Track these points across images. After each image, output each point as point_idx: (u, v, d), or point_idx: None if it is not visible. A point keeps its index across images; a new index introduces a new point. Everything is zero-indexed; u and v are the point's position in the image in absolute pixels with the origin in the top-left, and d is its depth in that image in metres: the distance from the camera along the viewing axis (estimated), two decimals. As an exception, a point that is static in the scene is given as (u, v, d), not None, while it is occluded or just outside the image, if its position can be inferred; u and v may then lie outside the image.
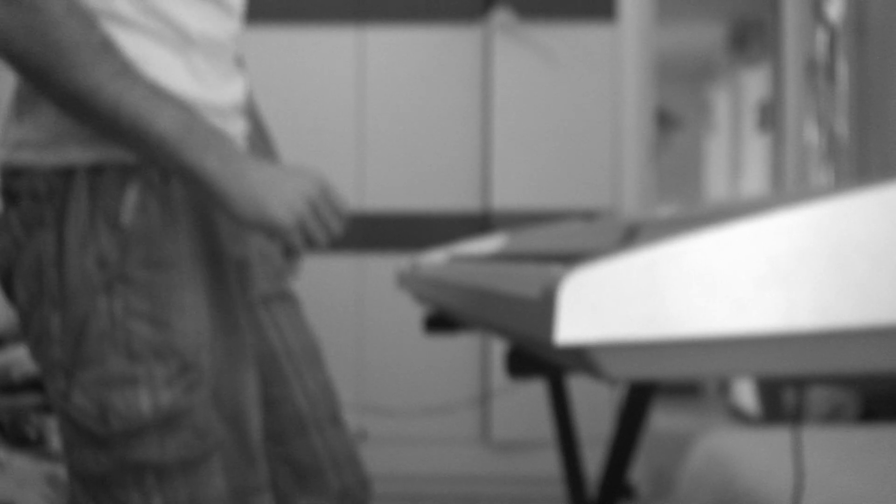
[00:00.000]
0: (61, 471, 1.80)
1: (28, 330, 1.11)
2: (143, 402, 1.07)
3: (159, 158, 1.04)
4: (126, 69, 1.02)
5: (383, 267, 3.83)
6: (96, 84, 1.00)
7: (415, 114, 3.86)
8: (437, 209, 3.83)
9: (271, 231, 1.08)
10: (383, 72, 3.87)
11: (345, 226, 1.14)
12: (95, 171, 1.07)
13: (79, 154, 1.07)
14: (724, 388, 6.89)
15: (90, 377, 1.06)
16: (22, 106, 1.11)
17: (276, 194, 1.07)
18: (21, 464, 1.76)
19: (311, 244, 1.11)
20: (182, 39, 1.12)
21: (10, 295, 1.14)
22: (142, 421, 1.07)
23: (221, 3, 1.17)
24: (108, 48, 1.02)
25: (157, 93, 1.03)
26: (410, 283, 1.67)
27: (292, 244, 1.10)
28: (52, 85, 1.01)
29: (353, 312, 3.86)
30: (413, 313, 3.83)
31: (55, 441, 1.97)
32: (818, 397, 3.26)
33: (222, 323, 1.16)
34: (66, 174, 1.07)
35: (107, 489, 1.09)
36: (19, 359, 2.38)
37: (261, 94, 3.86)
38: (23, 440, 1.88)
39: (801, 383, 1.23)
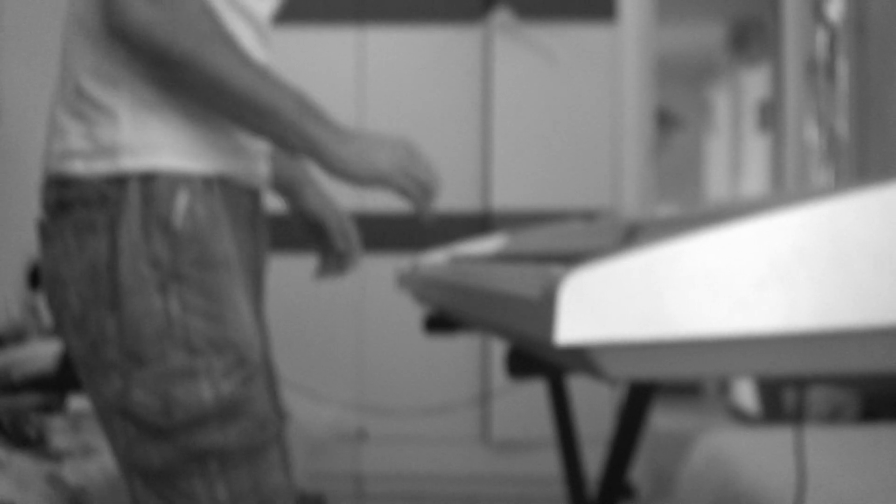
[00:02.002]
0: (61, 471, 1.80)
1: (83, 334, 1.15)
2: (205, 392, 1.13)
3: (283, 133, 1.15)
4: (248, 57, 1.13)
5: (383, 267, 3.82)
6: (231, 70, 1.11)
7: (415, 114, 3.86)
8: (438, 209, 3.83)
9: (384, 182, 1.22)
10: (383, 72, 3.87)
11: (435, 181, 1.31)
12: (147, 179, 1.14)
13: (131, 163, 1.14)
14: (724, 388, 6.89)
15: (151, 374, 1.12)
16: (65, 120, 1.17)
17: (380, 154, 1.21)
18: (21, 464, 1.76)
19: (417, 192, 1.25)
20: (256, 28, 1.26)
21: (52, 301, 1.19)
22: (204, 411, 1.12)
23: None
24: (232, 40, 1.13)
25: (275, 77, 1.15)
26: (410, 283, 1.67)
27: (404, 189, 1.23)
28: (194, 72, 1.10)
29: (353, 312, 3.86)
30: (413, 313, 3.83)
31: (55, 441, 1.97)
32: (818, 397, 3.26)
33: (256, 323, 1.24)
34: (118, 182, 1.14)
35: (170, 481, 1.14)
36: (19, 359, 2.38)
37: (261, 94, 3.85)
38: (23, 440, 1.88)
39: (801, 383, 1.23)
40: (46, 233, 1.19)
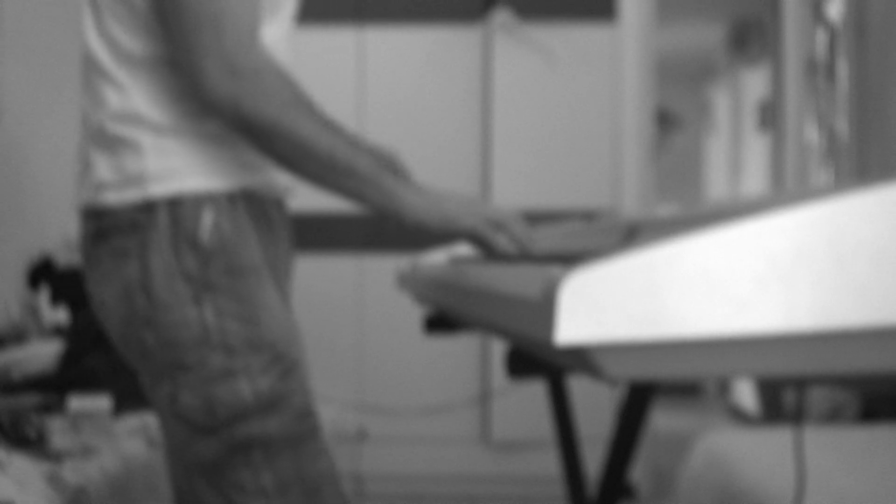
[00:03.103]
0: (61, 471, 1.80)
1: (128, 350, 1.26)
2: (244, 389, 1.20)
3: (362, 189, 1.21)
4: (326, 119, 1.20)
5: (383, 267, 3.83)
6: (312, 134, 1.18)
7: (415, 114, 3.86)
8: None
9: (461, 230, 1.25)
10: (383, 72, 3.87)
11: (527, 245, 1.30)
12: (174, 203, 1.21)
13: (158, 189, 1.21)
14: (724, 388, 6.89)
15: (194, 379, 1.21)
16: (95, 155, 1.25)
17: (450, 204, 1.24)
18: (21, 464, 1.76)
19: (502, 241, 1.26)
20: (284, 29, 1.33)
21: (102, 322, 1.29)
22: (245, 406, 1.20)
23: None
24: (309, 103, 1.19)
25: (350, 135, 1.21)
26: (410, 283, 1.67)
27: (484, 236, 1.25)
28: (279, 138, 1.17)
29: (353, 312, 3.86)
30: (413, 313, 3.83)
31: (55, 441, 1.97)
32: (818, 397, 3.26)
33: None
34: (148, 209, 1.21)
35: (221, 473, 1.22)
36: (19, 359, 2.38)
37: (261, 94, 3.85)
38: (23, 440, 1.88)
39: (801, 383, 1.23)
40: (89, 259, 1.27)
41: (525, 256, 1.25)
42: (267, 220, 1.31)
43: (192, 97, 1.23)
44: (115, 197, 1.23)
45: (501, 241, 1.26)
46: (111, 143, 1.24)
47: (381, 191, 1.21)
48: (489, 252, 1.27)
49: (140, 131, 1.22)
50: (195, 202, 1.22)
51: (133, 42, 1.23)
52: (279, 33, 1.31)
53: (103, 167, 1.24)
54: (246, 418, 1.20)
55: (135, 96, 1.23)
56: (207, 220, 1.22)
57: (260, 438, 1.21)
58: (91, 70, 1.26)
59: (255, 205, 1.28)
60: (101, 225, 1.24)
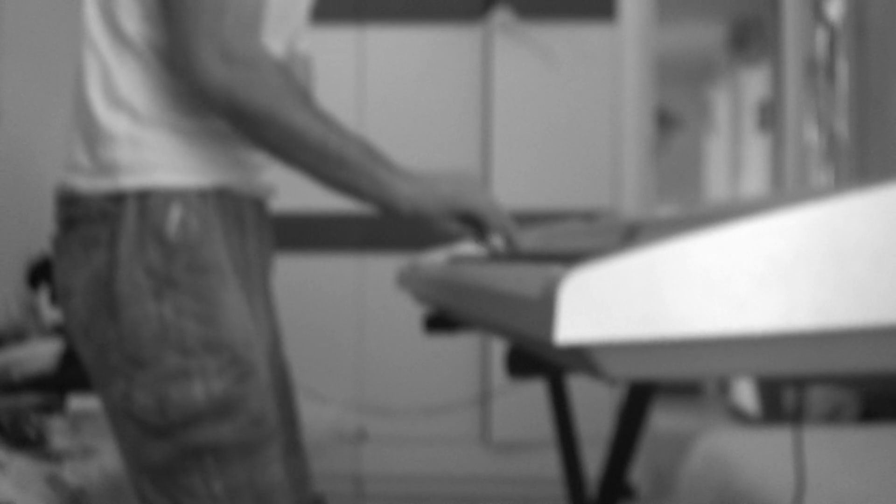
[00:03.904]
0: (61, 471, 1.80)
1: (90, 341, 1.22)
2: (197, 391, 1.18)
3: (354, 180, 1.19)
4: (318, 110, 1.19)
5: (383, 267, 3.82)
6: (306, 124, 1.17)
7: (415, 114, 3.86)
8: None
9: (459, 214, 1.23)
10: (383, 72, 3.87)
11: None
12: (143, 195, 1.20)
13: (129, 181, 1.20)
14: (724, 388, 6.89)
15: (149, 376, 1.18)
16: (75, 136, 1.25)
17: (443, 187, 1.22)
18: (21, 464, 1.76)
19: (506, 223, 1.24)
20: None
21: (64, 311, 1.26)
22: (197, 409, 1.18)
23: None
24: (303, 94, 1.18)
25: (340, 126, 1.20)
26: (410, 283, 1.67)
27: (482, 216, 1.23)
28: (271, 127, 1.16)
29: (353, 312, 3.86)
30: (413, 313, 3.83)
31: (55, 441, 1.97)
32: (818, 397, 3.26)
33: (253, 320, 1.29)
34: (117, 199, 1.20)
35: (172, 478, 1.20)
36: (19, 359, 2.38)
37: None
38: (23, 440, 1.88)
39: (801, 383, 1.23)
40: (58, 247, 1.26)
41: (515, 242, 1.25)
42: (240, 220, 1.29)
43: (177, 90, 1.22)
44: (86, 184, 1.22)
45: (496, 221, 1.24)
46: (89, 127, 1.23)
47: (375, 181, 1.19)
48: (483, 231, 1.25)
49: (118, 117, 1.21)
50: (164, 197, 1.20)
51: (128, 22, 1.22)
52: (281, 47, 1.32)
53: (80, 151, 1.24)
54: (199, 422, 1.18)
55: (120, 78, 1.22)
56: (175, 215, 1.20)
57: (213, 444, 1.18)
58: (85, 46, 1.25)
59: (228, 203, 1.27)
60: (73, 212, 1.23)
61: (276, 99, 1.16)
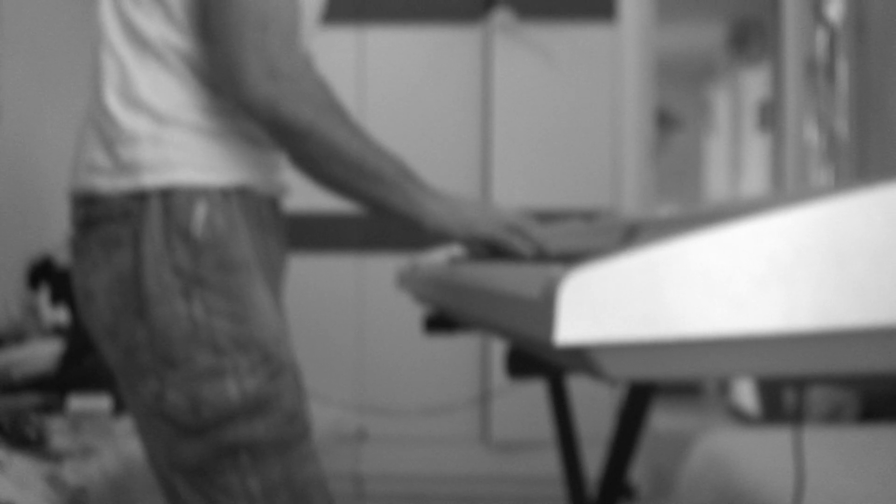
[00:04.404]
0: (61, 471, 1.80)
1: (116, 342, 1.22)
2: (231, 390, 1.18)
3: (387, 196, 1.21)
4: (357, 126, 1.20)
5: (383, 267, 3.82)
6: (346, 140, 1.18)
7: (415, 114, 3.86)
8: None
9: (482, 240, 1.26)
10: (383, 72, 3.87)
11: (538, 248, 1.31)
12: (166, 194, 1.20)
13: (151, 179, 1.20)
14: (724, 388, 6.89)
15: (181, 376, 1.18)
16: (92, 136, 1.24)
17: (468, 211, 1.25)
18: (21, 464, 1.76)
19: (520, 242, 1.26)
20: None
21: (84, 313, 1.25)
22: (231, 407, 1.18)
23: None
24: (343, 109, 1.20)
25: (376, 143, 1.21)
26: (410, 283, 1.67)
27: (504, 240, 1.26)
28: (311, 142, 1.18)
29: (353, 312, 3.86)
30: (413, 313, 3.82)
31: (55, 441, 1.97)
32: (818, 397, 3.26)
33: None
34: (140, 198, 1.20)
35: (207, 477, 1.20)
36: (19, 359, 2.38)
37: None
38: (23, 440, 1.88)
39: (801, 383, 1.23)
40: (77, 248, 1.25)
41: (542, 257, 1.26)
42: (259, 218, 1.29)
43: (197, 90, 1.22)
44: (107, 184, 1.21)
45: (518, 244, 1.26)
46: (108, 127, 1.22)
47: (407, 198, 1.22)
48: (507, 255, 1.27)
49: (139, 118, 1.21)
50: (188, 194, 1.20)
51: (148, 24, 1.21)
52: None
53: (98, 151, 1.23)
54: (232, 420, 1.18)
55: (140, 80, 1.21)
56: (200, 213, 1.20)
57: (247, 441, 1.19)
58: (102, 48, 1.25)
59: (249, 202, 1.27)
60: (92, 212, 1.22)
61: (319, 114, 1.17)
